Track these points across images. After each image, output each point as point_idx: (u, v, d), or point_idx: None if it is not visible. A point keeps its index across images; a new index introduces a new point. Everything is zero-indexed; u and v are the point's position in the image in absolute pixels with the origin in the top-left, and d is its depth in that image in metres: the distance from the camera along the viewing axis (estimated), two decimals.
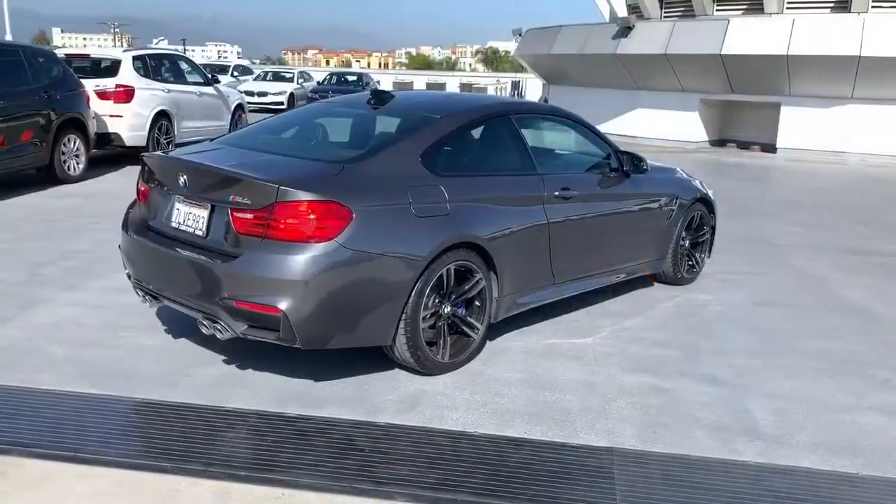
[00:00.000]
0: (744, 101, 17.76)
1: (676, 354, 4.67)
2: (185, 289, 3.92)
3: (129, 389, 3.86)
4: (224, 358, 4.29)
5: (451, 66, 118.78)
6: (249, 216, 3.67)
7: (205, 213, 3.90)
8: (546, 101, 23.65)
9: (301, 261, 3.58)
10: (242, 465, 3.16)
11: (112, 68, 11.58)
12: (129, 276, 4.50)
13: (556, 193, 4.76)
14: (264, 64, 48.47)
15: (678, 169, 6.42)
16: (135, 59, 11.84)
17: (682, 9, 20.40)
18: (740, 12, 19.02)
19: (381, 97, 4.76)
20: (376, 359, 4.18)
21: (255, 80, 26.96)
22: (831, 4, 17.95)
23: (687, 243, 6.16)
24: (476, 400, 3.89)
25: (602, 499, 2.99)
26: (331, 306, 3.66)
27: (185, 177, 3.94)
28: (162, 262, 4.06)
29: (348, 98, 5.48)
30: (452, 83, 32.65)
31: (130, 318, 4.90)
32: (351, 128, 4.81)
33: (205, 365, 4.20)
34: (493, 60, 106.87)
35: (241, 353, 4.31)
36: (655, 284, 6.22)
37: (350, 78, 28.33)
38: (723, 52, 16.63)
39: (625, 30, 18.38)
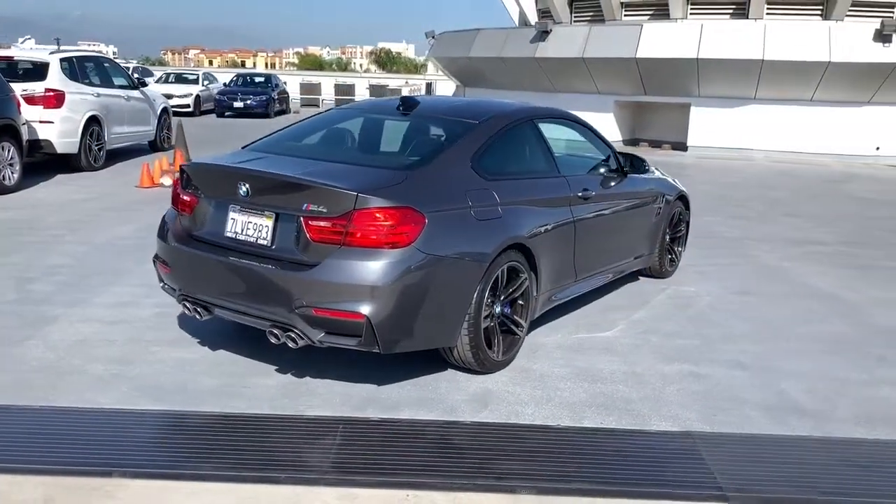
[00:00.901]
0: (656, 102, 18.69)
1: (695, 343, 4.99)
2: (250, 299, 3.88)
3: (196, 404, 3.79)
4: (275, 368, 4.26)
5: (342, 66, 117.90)
6: (326, 224, 3.69)
7: (269, 223, 3.88)
8: None
9: (382, 267, 3.64)
10: (356, 470, 3.19)
11: (38, 71, 10.96)
12: (166, 289, 4.40)
13: (580, 194, 4.99)
14: (143, 64, 46.35)
15: (655, 168, 6.80)
16: (62, 61, 11.25)
17: (591, 13, 21.21)
18: (647, 17, 19.99)
19: (409, 103, 4.84)
20: (420, 361, 4.26)
21: (157, 82, 25.94)
22: (731, 10, 19.17)
23: (668, 238, 6.54)
24: (540, 395, 4.05)
25: (703, 479, 3.22)
26: (408, 310, 3.73)
27: (246, 185, 3.89)
28: (219, 273, 4.00)
29: (373, 104, 5.51)
30: (361, 85, 32.52)
31: (153, 332, 4.77)
32: (392, 134, 4.87)
33: (259, 376, 4.16)
34: (386, 62, 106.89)
35: (292, 363, 4.30)
36: (640, 278, 6.56)
37: (258, 79, 27.74)
38: (637, 56, 17.46)
39: (542, 34, 18.95)
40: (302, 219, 3.74)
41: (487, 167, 4.35)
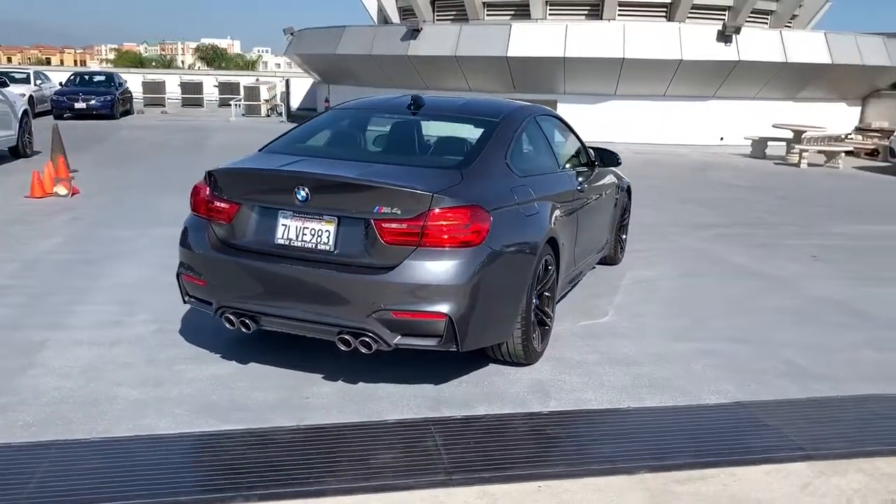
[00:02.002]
0: (525, 98, 19.42)
1: (685, 322, 5.39)
2: (314, 307, 3.76)
3: (268, 419, 3.64)
4: (322, 375, 4.15)
5: (165, 63, 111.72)
6: (401, 226, 3.65)
7: (330, 227, 3.78)
8: (328, 101, 23.73)
9: (460, 266, 3.67)
10: (476, 467, 3.22)
11: None
12: (194, 303, 4.15)
13: (578, 187, 5.22)
14: None
15: None
16: None
17: (454, 13, 21.68)
18: (509, 17, 20.75)
19: (419, 102, 4.83)
20: (455, 360, 4.29)
21: None
22: (586, 11, 20.34)
23: (617, 226, 6.95)
24: (589, 381, 4.23)
25: (783, 442, 3.54)
26: (482, 307, 3.78)
27: (306, 190, 3.76)
28: (273, 281, 3.84)
29: (380, 103, 5.40)
30: (209, 83, 31.05)
31: (165, 350, 4.47)
32: (419, 134, 4.85)
33: (311, 385, 4.04)
34: (214, 58, 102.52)
35: (336, 370, 4.20)
36: (595, 266, 6.93)
37: (98, 78, 25.77)
38: (508, 55, 18.10)
39: (413, 32, 19.14)
40: (373, 221, 3.68)
41: (516, 164, 4.47)
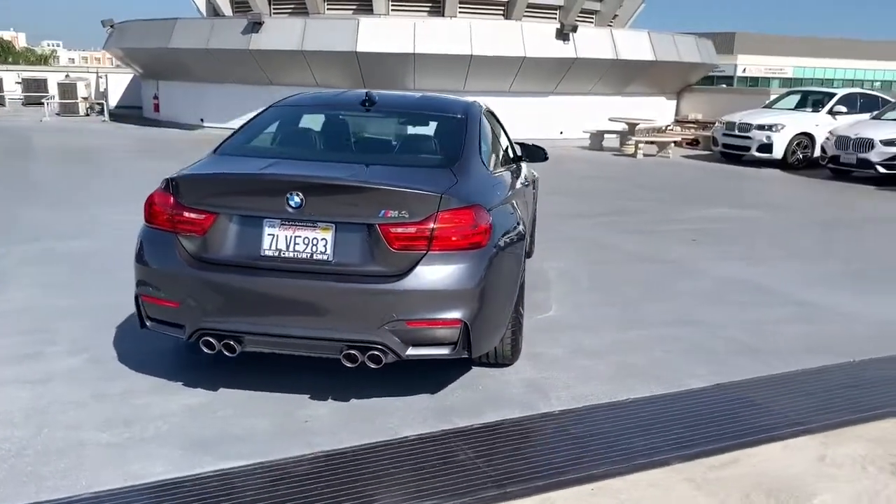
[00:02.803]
0: None
1: (625, 311, 5.55)
2: (315, 322, 3.46)
3: (275, 449, 3.30)
4: (308, 395, 3.85)
5: None
6: (410, 230, 3.44)
7: (327, 235, 3.48)
8: (157, 97, 22.17)
9: (471, 268, 3.53)
10: (526, 476, 3.12)
11: None
12: (160, 328, 3.70)
13: (524, 182, 5.23)
14: None
15: None
16: None
17: (293, 6, 20.99)
18: (351, 11, 20.41)
19: (372, 99, 4.58)
20: (425, 367, 4.11)
21: None
22: (428, 8, 20.47)
23: None
24: (578, 376, 4.22)
25: (778, 419, 3.74)
26: (490, 309, 3.67)
27: (300, 195, 3.43)
28: (263, 298, 3.48)
29: (329, 99, 5.00)
30: (9, 79, 27.88)
31: (111, 383, 3.95)
32: (387, 131, 4.58)
33: (302, 406, 3.73)
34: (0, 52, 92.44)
35: (319, 387, 3.91)
36: None
37: None
38: (358, 50, 17.81)
39: (255, 25, 18.29)
40: (379, 226, 3.44)
41: (486, 161, 4.37)
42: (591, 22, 23.09)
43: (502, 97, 18.97)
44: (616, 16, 24.22)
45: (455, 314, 3.48)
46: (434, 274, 3.45)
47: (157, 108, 22.24)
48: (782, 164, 15.91)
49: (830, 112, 16.39)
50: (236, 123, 21.32)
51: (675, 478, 3.16)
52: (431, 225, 3.46)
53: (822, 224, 9.88)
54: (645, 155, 17.56)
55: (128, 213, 8.50)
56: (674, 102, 23.19)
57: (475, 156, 4.16)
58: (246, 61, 18.71)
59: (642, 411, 3.80)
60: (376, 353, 3.46)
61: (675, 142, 18.91)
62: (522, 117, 19.08)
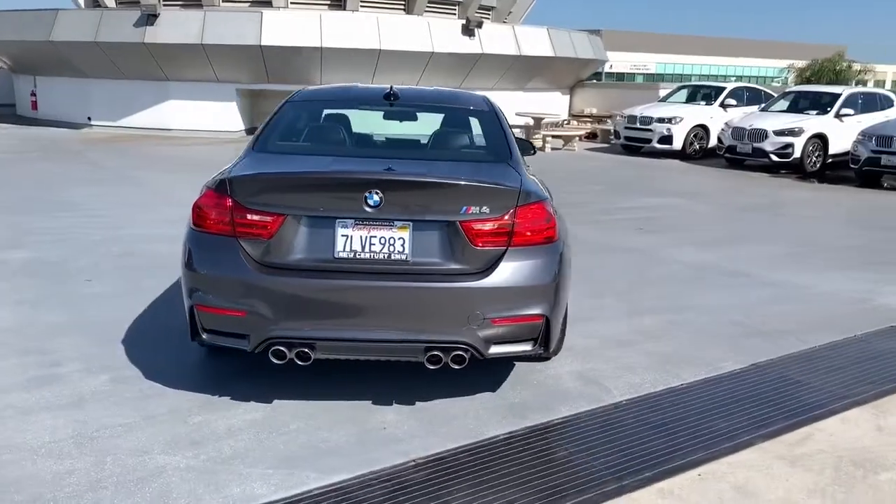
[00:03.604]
0: (280, 90, 18.61)
1: (615, 299, 5.67)
2: (396, 324, 3.34)
3: (367, 461, 3.16)
4: (370, 401, 3.71)
5: None
6: (491, 226, 3.38)
7: (404, 234, 3.36)
8: (34, 94, 20.56)
9: (549, 263, 3.52)
10: (634, 468, 3.14)
11: None
12: (218, 340, 3.46)
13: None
14: None
15: None
16: None
17: None
18: (248, 4, 19.68)
19: (395, 94, 4.45)
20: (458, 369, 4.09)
21: None
22: (329, 1, 20.06)
23: None
24: (618, 366, 4.29)
25: (823, 396, 3.95)
26: (562, 304, 3.66)
27: (378, 194, 3.29)
28: (342, 302, 3.32)
29: (351, 93, 4.75)
30: None
31: (150, 402, 3.66)
32: (425, 126, 4.41)
33: (369, 413, 3.59)
34: None
35: (374, 392, 3.79)
36: None
37: None
38: (262, 44, 17.21)
39: (150, 17, 17.25)
40: (460, 223, 3.36)
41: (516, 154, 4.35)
42: (489, 17, 23.41)
43: None
44: (510, 12, 24.68)
45: (537, 310, 3.45)
46: (516, 270, 3.41)
47: (34, 105, 20.61)
48: (681, 155, 16.77)
49: (722, 105, 17.45)
50: (129, 121, 20.54)
51: (766, 457, 3.28)
52: (511, 220, 3.42)
53: (743, 209, 10.47)
54: (552, 149, 18.02)
55: (55, 219, 7.92)
56: (567, 97, 23.93)
57: (516, 149, 4.14)
58: (140, 55, 17.68)
59: (703, 395, 3.91)
60: (460, 353, 3.38)
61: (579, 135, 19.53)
62: None
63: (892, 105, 16.13)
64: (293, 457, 3.17)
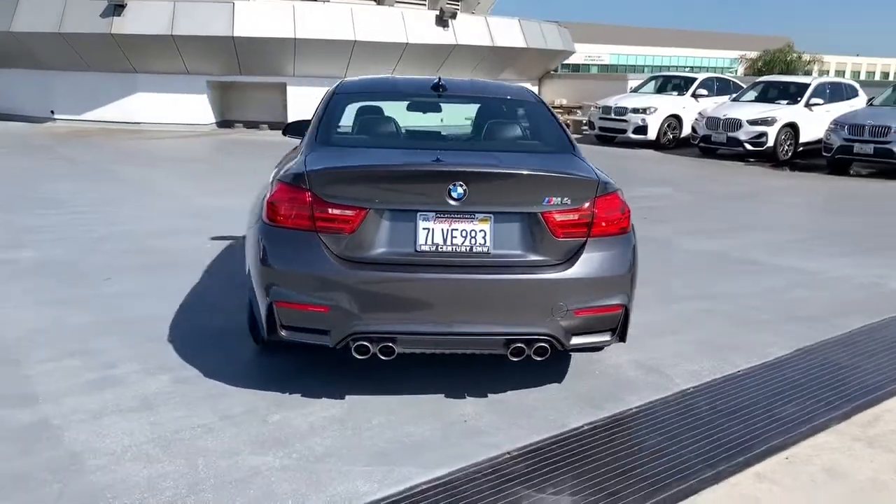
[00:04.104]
0: (251, 82, 18.33)
1: (643, 288, 5.74)
2: (480, 317, 3.33)
3: (460, 455, 3.15)
4: (443, 394, 3.69)
5: None
6: (573, 217, 3.39)
7: (485, 226, 3.35)
8: None
9: (625, 253, 3.55)
10: (725, 452, 3.19)
11: None
12: (297, 337, 3.39)
13: None
14: None
15: None
16: None
17: None
18: None
19: (443, 85, 4.42)
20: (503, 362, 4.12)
21: None
22: None
23: None
24: (670, 353, 4.35)
25: (884, 377, 4.04)
26: (635, 293, 3.68)
27: (463, 186, 3.26)
28: (426, 296, 3.30)
29: (399, 85, 4.68)
30: None
31: (220, 402, 3.58)
32: (480, 119, 4.38)
33: (445, 406, 3.58)
34: None
35: (441, 384, 3.77)
36: None
37: None
38: (234, 35, 16.89)
39: (117, 7, 16.75)
40: (542, 215, 3.35)
41: None
42: (458, 8, 23.36)
43: None
44: (479, 2, 24.67)
45: (617, 300, 3.48)
46: (597, 260, 3.43)
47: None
48: (655, 145, 17.01)
49: (694, 95, 17.75)
50: (95, 115, 19.99)
51: (844, 439, 3.36)
52: (591, 211, 3.43)
53: (729, 198, 10.67)
54: None
55: (45, 217, 7.66)
56: (537, 88, 24.04)
57: (574, 140, 4.15)
58: (106, 47, 17.21)
59: (762, 380, 3.99)
60: (543, 345, 3.38)
61: None
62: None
63: (856, 94, 16.58)
64: (385, 452, 3.14)
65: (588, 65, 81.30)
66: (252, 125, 18.83)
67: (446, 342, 3.39)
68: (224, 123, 18.94)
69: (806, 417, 3.54)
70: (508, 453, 3.16)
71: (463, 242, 3.34)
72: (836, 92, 16.34)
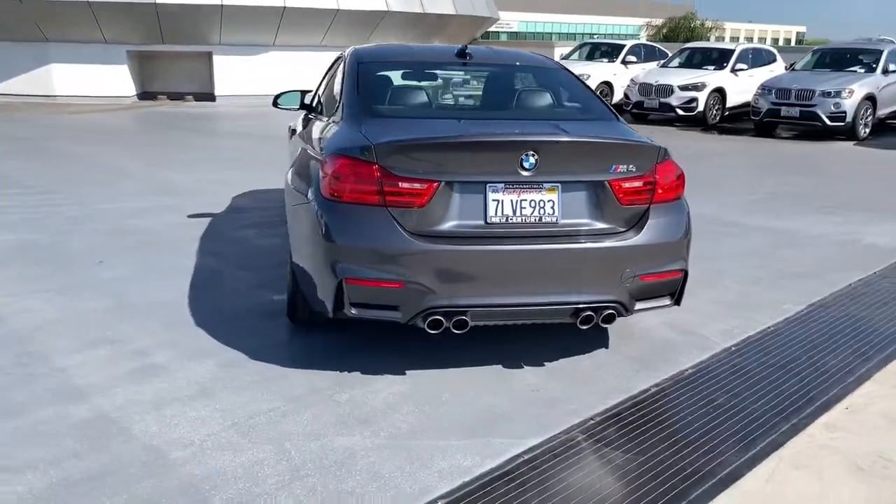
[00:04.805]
0: (175, 51, 17.48)
1: None
2: (553, 287, 3.34)
3: (544, 425, 3.17)
4: (499, 366, 3.69)
5: None
6: (638, 184, 3.42)
7: (553, 196, 3.34)
8: None
9: (682, 218, 3.62)
10: (791, 409, 3.33)
11: None
12: (371, 314, 3.32)
13: None
14: None
15: None
16: None
17: None
18: None
19: (469, 53, 4.35)
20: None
21: None
22: None
23: None
24: (700, 313, 4.47)
25: None
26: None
27: (535, 156, 3.23)
28: (499, 268, 3.28)
29: (427, 53, 4.51)
30: None
31: (280, 384, 3.46)
32: (512, 85, 4.31)
33: (509, 379, 3.58)
34: None
35: (493, 356, 3.78)
36: None
37: None
38: (157, 1, 16.03)
39: None
40: (609, 182, 3.37)
41: None
42: None
43: (313, 52, 18.35)
44: None
45: (677, 265, 3.55)
46: (660, 226, 3.48)
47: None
48: None
49: (623, 62, 18.11)
50: (4, 87, 18.69)
51: (886, 387, 3.56)
52: (653, 177, 3.47)
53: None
54: None
55: (3, 196, 7.16)
56: None
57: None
58: (13, 13, 16.02)
59: (793, 335, 4.16)
60: (611, 311, 3.42)
61: None
62: None
63: (775, 60, 17.31)
64: (472, 426, 3.12)
65: (498, 32, 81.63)
66: (176, 97, 18.06)
67: (518, 313, 3.39)
68: (146, 95, 18.07)
69: (848, 369, 3.73)
70: (592, 419, 3.19)
71: (532, 213, 3.32)
72: (757, 57, 17.00)
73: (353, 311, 3.30)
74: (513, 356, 3.77)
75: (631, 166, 3.40)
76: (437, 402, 3.32)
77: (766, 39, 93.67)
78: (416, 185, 3.21)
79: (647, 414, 3.25)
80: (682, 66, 16.83)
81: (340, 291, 3.27)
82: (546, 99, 4.14)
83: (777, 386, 3.53)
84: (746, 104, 15.13)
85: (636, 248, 3.40)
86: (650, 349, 3.95)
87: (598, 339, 4.01)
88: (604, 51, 19.17)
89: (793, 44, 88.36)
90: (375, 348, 3.82)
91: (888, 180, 9.65)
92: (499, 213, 3.29)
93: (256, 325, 4.13)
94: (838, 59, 15.39)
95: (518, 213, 3.31)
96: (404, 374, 3.58)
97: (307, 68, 18.14)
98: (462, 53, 4.28)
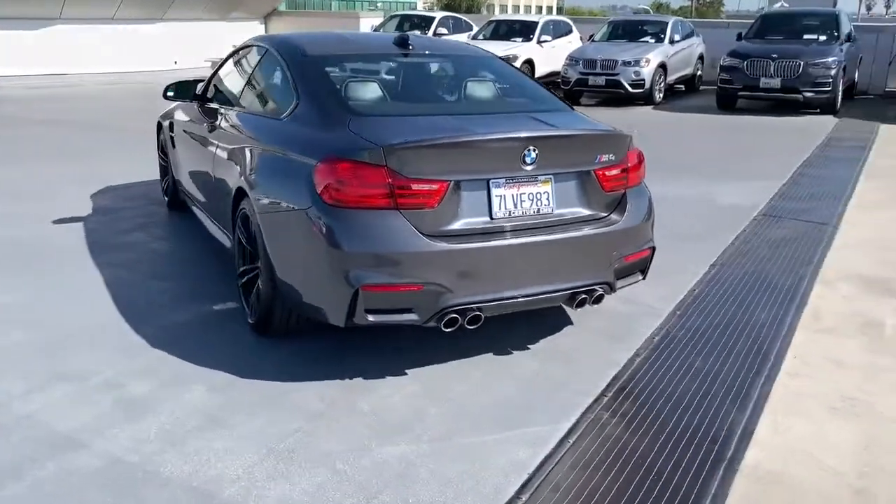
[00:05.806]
0: None
1: None
2: (555, 275, 3.49)
3: (571, 409, 3.34)
4: (487, 356, 3.80)
5: None
6: (616, 171, 3.65)
7: (547, 187, 3.48)
8: None
9: (648, 199, 3.92)
10: (768, 338, 3.77)
11: None
12: (385, 319, 3.28)
13: None
14: None
15: None
16: None
17: None
18: None
19: (404, 42, 4.31)
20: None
21: None
22: None
23: None
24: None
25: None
26: None
27: (535, 152, 3.33)
28: (507, 262, 3.37)
29: (370, 43, 4.20)
30: None
31: (286, 413, 3.33)
32: (471, 78, 4.23)
33: (510, 367, 3.70)
34: None
35: (485, 346, 3.89)
36: None
37: None
38: None
39: None
40: (594, 171, 3.56)
41: None
42: None
43: (105, 24, 16.97)
44: None
45: (649, 243, 3.84)
46: (636, 209, 3.74)
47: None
48: None
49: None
50: None
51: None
52: (626, 164, 3.71)
53: None
54: None
55: None
56: (264, 27, 23.19)
57: None
58: None
59: (719, 294, 4.65)
60: (601, 293, 3.64)
61: None
62: (131, 48, 17.34)
63: (571, 31, 18.46)
64: (501, 417, 3.20)
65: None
66: None
67: (523, 303, 3.49)
68: None
69: (778, 319, 4.25)
70: (605, 395, 3.41)
71: (531, 206, 3.43)
72: (557, 29, 18.02)
73: (370, 317, 3.23)
74: (497, 343, 3.88)
75: (611, 155, 3.62)
76: (454, 397, 3.36)
77: (531, 9, 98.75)
78: (429, 186, 3.20)
79: (647, 384, 3.52)
80: (491, 38, 17.25)
81: (355, 300, 3.18)
82: (513, 91, 4.27)
83: (734, 344, 3.96)
84: (551, 74, 16.04)
85: (625, 231, 3.65)
86: (609, 321, 4.23)
87: (561, 317, 4.23)
88: (413, 23, 19.27)
89: (555, 13, 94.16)
90: (360, 351, 3.75)
91: (700, 142, 10.77)
92: (502, 208, 3.37)
93: (215, 340, 3.89)
94: (630, 30, 16.76)
95: (519, 207, 3.40)
96: (405, 373, 3.57)
97: (104, 44, 16.66)
98: (403, 43, 4.25)
